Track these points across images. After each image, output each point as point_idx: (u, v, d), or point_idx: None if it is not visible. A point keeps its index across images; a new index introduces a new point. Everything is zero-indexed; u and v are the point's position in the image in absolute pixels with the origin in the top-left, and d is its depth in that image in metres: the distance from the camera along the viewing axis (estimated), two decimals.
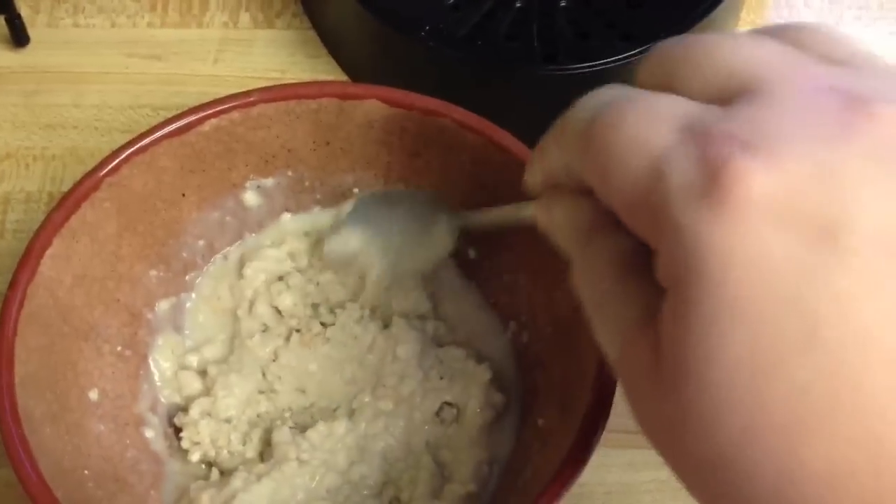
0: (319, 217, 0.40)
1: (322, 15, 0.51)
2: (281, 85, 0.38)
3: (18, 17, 0.49)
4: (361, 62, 0.49)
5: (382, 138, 0.39)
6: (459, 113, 0.37)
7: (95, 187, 0.35)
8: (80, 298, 0.35)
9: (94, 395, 0.35)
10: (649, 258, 0.23)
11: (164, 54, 0.50)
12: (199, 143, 0.37)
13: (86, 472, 0.32)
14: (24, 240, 0.43)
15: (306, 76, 0.50)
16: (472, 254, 0.40)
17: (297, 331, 0.39)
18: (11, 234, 0.44)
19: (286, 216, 0.40)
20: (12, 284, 0.33)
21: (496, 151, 0.37)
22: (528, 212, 0.31)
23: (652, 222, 0.22)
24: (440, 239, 0.37)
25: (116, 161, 0.36)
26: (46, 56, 0.50)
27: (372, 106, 0.38)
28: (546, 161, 0.27)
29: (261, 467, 0.35)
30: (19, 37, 0.50)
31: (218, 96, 0.49)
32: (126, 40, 0.51)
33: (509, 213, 0.34)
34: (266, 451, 0.37)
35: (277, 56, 0.51)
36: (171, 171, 0.37)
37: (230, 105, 0.37)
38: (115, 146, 0.47)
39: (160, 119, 0.48)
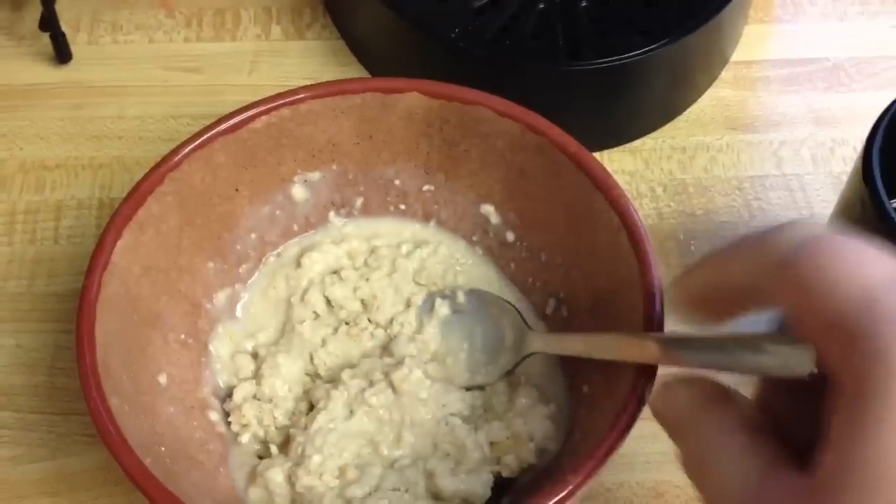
0: (376, 226, 0.43)
1: (351, 24, 0.53)
2: (327, 82, 0.40)
3: (62, 34, 0.52)
4: (391, 67, 0.51)
5: (423, 130, 0.41)
6: (497, 101, 0.40)
7: (160, 181, 0.37)
8: (147, 288, 0.37)
9: (163, 379, 0.37)
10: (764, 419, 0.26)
11: (201, 67, 0.53)
12: (251, 140, 0.40)
13: (162, 448, 0.34)
14: (79, 244, 0.46)
15: None
16: (509, 237, 0.42)
17: (346, 323, 0.41)
18: (66, 239, 0.46)
19: (339, 219, 0.43)
20: (89, 272, 0.35)
21: (533, 136, 0.39)
22: (603, 353, 0.34)
23: (847, 342, 0.23)
24: (508, 356, 0.39)
25: (178, 157, 0.38)
26: (89, 72, 0.52)
27: (413, 99, 0.40)
28: (714, 277, 0.28)
29: (306, 419, 0.37)
30: (63, 54, 0.52)
31: None
32: (164, 55, 0.53)
33: (582, 348, 0.35)
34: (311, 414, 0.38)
35: (309, 65, 0.53)
36: (226, 166, 0.39)
37: (280, 102, 0.39)
38: (160, 154, 0.49)
39: (200, 128, 0.51)
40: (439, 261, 0.42)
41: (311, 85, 0.40)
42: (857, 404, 0.23)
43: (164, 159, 0.38)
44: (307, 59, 0.53)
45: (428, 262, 0.42)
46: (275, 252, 0.42)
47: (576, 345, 0.37)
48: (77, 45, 0.53)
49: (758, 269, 0.26)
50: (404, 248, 0.42)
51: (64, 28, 0.52)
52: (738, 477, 0.25)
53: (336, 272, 0.42)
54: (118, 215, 0.36)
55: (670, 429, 0.28)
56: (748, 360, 0.28)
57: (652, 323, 0.34)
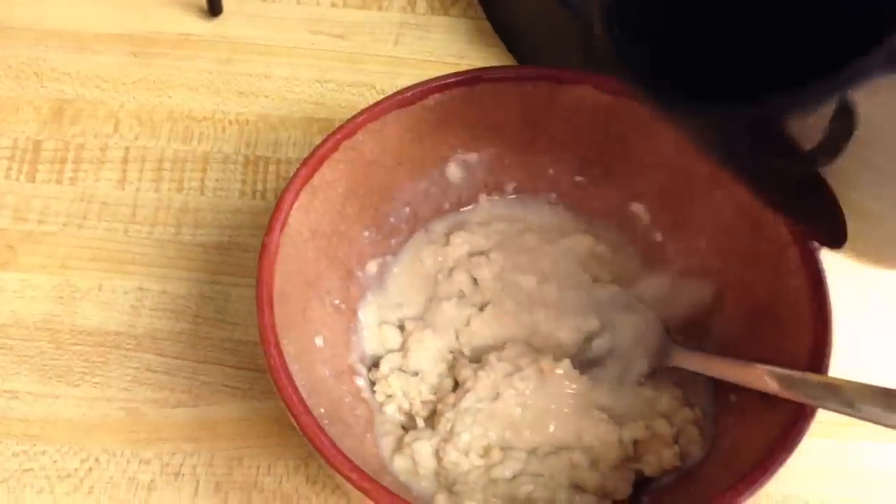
0: (524, 211, 0.43)
1: (500, 6, 0.53)
2: (502, 66, 0.41)
3: None
4: (540, 54, 0.51)
5: (587, 123, 0.41)
6: None
7: (335, 148, 0.38)
8: (312, 251, 0.38)
9: (319, 341, 0.38)
10: None
11: (347, 34, 0.53)
12: (420, 115, 0.40)
13: (322, 409, 0.35)
14: (224, 198, 0.47)
15: (481, 63, 0.52)
16: (658, 237, 0.42)
17: (487, 305, 0.41)
18: (212, 191, 0.47)
19: (488, 201, 0.43)
20: (269, 231, 0.35)
21: None
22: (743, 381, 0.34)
23: None
24: (646, 363, 0.39)
25: (353, 125, 0.38)
26: (237, 27, 0.53)
27: (584, 91, 0.40)
28: None
29: (454, 397, 0.38)
30: (214, 6, 0.53)
31: (399, 76, 0.52)
32: (311, 18, 0.54)
33: (721, 372, 0.36)
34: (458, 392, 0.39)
35: (454, 43, 0.53)
36: (394, 139, 0.40)
37: (455, 80, 0.40)
38: (305, 115, 0.50)
39: (345, 94, 0.51)
40: (584, 251, 0.42)
41: (486, 67, 0.40)
42: None
43: (341, 127, 0.38)
44: (451, 37, 0.53)
45: (573, 252, 0.42)
46: (424, 227, 0.43)
47: (719, 368, 0.37)
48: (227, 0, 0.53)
49: None
50: (551, 235, 0.43)
51: None
52: None
53: (483, 253, 0.42)
54: (297, 178, 0.37)
55: None
56: (883, 417, 0.29)
57: (824, 346, 0.34)
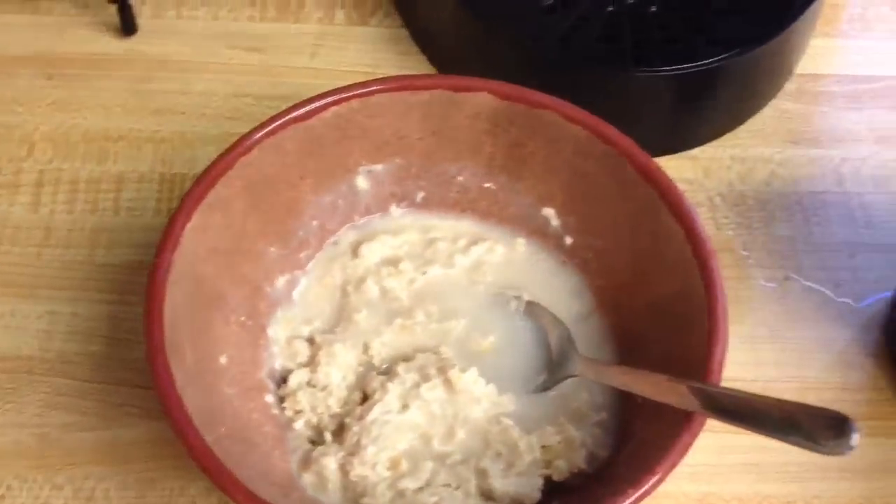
0: (435, 220, 0.43)
1: (415, 14, 0.53)
2: (398, 76, 0.41)
3: (129, 6, 0.52)
4: (455, 60, 0.51)
5: (489, 129, 0.41)
6: (566, 106, 0.40)
7: (230, 166, 0.38)
8: (212, 270, 0.38)
9: (223, 360, 0.38)
10: None
11: (264, 47, 0.53)
12: (320, 129, 0.40)
13: (222, 429, 0.35)
14: (138, 217, 0.47)
15: (398, 72, 0.52)
16: (568, 240, 0.42)
17: (401, 316, 0.41)
18: (126, 210, 0.47)
19: (398, 210, 0.43)
20: (159, 251, 0.35)
21: (600, 144, 0.39)
22: (643, 391, 0.35)
23: None
24: (551, 373, 0.40)
25: (249, 142, 0.38)
26: (153, 45, 0.53)
27: (483, 98, 0.40)
28: None
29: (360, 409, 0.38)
30: (128, 25, 0.53)
31: (317, 88, 0.51)
32: (228, 33, 0.54)
33: (623, 382, 0.37)
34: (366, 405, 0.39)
35: (371, 52, 0.53)
36: (294, 154, 0.40)
37: (351, 94, 0.40)
38: (222, 132, 0.50)
39: (262, 108, 0.51)
40: (496, 258, 0.42)
41: (383, 78, 0.40)
42: None
43: (236, 144, 0.38)
44: (369, 46, 0.53)
45: (484, 259, 0.42)
46: (332, 240, 0.43)
47: (617, 377, 0.37)
48: (142, 17, 0.53)
49: None
50: (461, 244, 0.43)
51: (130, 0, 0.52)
52: None
53: (393, 263, 0.42)
54: (189, 197, 0.37)
55: None
56: (781, 431, 0.29)
57: (716, 341, 0.34)
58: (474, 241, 0.43)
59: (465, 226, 0.43)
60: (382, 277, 0.41)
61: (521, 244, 0.43)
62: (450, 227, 0.43)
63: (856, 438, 0.28)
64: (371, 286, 0.41)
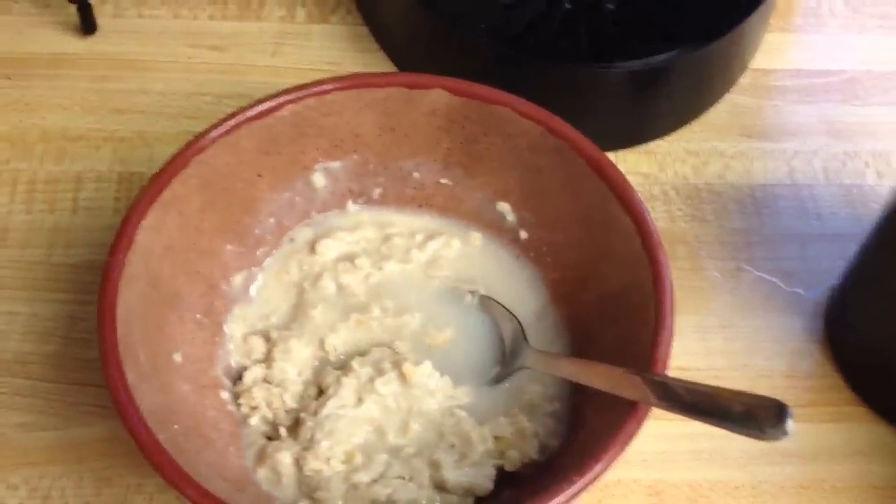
0: (392, 216, 0.44)
1: (376, 11, 0.53)
2: (354, 74, 0.41)
3: (88, 5, 0.52)
4: (415, 57, 0.52)
5: (444, 125, 0.42)
6: (520, 102, 0.40)
7: (185, 164, 0.38)
8: (167, 268, 0.38)
9: (178, 357, 0.38)
10: None
11: (225, 45, 0.53)
12: (276, 127, 0.40)
13: (175, 426, 0.35)
14: (96, 216, 0.47)
15: (359, 69, 0.53)
16: (523, 235, 0.43)
17: (357, 311, 0.41)
18: (84, 210, 0.47)
19: (355, 207, 0.43)
20: (112, 251, 0.35)
21: (553, 139, 0.40)
22: (592, 382, 0.35)
23: None
24: (503, 366, 0.40)
25: (204, 140, 0.38)
26: (113, 44, 0.53)
27: (437, 95, 0.41)
28: None
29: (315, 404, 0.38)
30: (88, 25, 0.52)
31: (278, 86, 0.52)
32: (188, 31, 0.54)
33: (572, 373, 0.37)
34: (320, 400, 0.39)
35: (332, 50, 0.53)
36: (251, 152, 0.40)
37: (307, 92, 0.40)
38: (181, 130, 0.50)
39: (222, 106, 0.51)
40: (452, 253, 0.43)
41: (338, 77, 0.41)
42: None
43: (191, 143, 0.38)
44: (330, 44, 0.54)
45: (441, 254, 0.43)
46: (289, 236, 0.43)
47: (567, 369, 0.38)
48: (102, 16, 0.53)
49: None
50: (418, 239, 0.43)
51: None
52: None
53: (349, 259, 0.42)
54: (143, 196, 0.37)
55: None
56: (723, 419, 0.30)
57: (662, 329, 0.34)
58: (431, 236, 0.43)
59: (422, 221, 0.44)
60: (339, 274, 0.42)
61: (477, 238, 0.43)
62: (406, 222, 0.44)
63: (791, 424, 0.29)
64: (328, 282, 0.42)
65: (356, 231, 0.43)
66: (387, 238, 0.43)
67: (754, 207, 0.48)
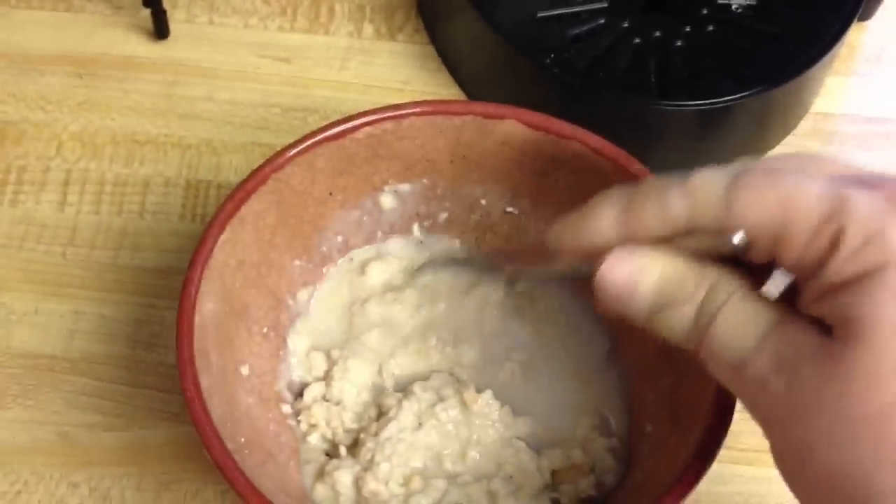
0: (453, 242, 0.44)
1: (443, 32, 0.54)
2: (431, 101, 0.41)
3: (163, 10, 0.53)
4: (480, 81, 0.52)
5: (515, 157, 0.42)
6: (592, 139, 0.40)
7: (263, 181, 0.38)
8: (239, 281, 0.39)
9: (245, 370, 0.38)
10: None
11: (293, 58, 0.54)
12: (351, 148, 0.41)
13: (242, 439, 0.36)
14: (163, 221, 0.48)
15: (427, 89, 0.53)
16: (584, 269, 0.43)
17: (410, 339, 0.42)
18: (151, 214, 0.48)
19: (420, 230, 0.44)
20: (192, 265, 0.36)
21: (627, 178, 0.40)
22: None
23: (819, 245, 0.26)
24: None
25: (282, 159, 0.39)
26: (184, 50, 0.54)
27: (510, 126, 0.41)
28: (648, 218, 0.30)
29: (376, 426, 0.38)
30: (161, 30, 0.53)
31: (344, 101, 0.52)
32: (257, 41, 0.54)
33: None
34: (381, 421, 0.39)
35: (399, 68, 0.54)
36: (325, 171, 0.41)
37: (385, 115, 0.40)
38: (247, 141, 0.51)
39: (289, 119, 0.52)
40: (502, 292, 0.43)
41: (416, 102, 0.41)
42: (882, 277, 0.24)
43: (269, 160, 0.39)
44: (397, 62, 0.54)
45: (489, 300, 0.43)
46: (349, 255, 0.44)
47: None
48: (174, 22, 0.54)
49: (697, 202, 0.28)
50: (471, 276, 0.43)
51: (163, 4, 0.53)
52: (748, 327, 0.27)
53: (397, 290, 0.42)
54: (222, 211, 0.37)
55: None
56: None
57: None
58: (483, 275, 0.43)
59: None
60: (386, 303, 0.42)
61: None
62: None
63: None
64: (374, 310, 0.42)
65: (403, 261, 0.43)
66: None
67: None
